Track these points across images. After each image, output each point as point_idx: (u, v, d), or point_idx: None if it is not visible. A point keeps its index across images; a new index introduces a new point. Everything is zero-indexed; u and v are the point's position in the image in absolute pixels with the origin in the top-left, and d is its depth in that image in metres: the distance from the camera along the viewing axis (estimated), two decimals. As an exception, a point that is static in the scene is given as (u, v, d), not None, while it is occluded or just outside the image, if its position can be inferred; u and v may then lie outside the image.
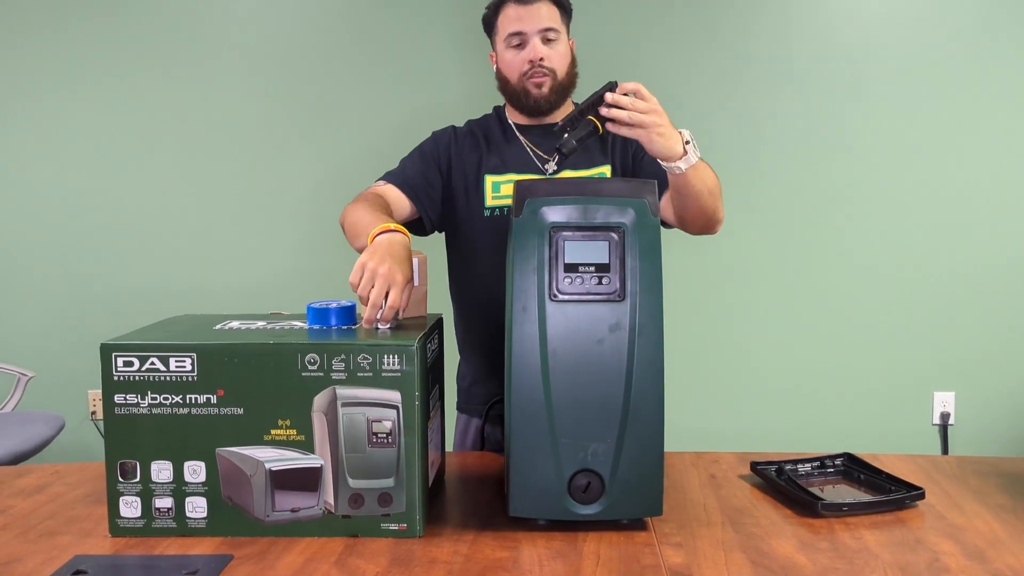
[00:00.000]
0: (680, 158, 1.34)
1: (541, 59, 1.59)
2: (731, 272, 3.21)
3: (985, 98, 3.11)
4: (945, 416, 3.19)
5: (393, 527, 1.17)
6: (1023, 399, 3.19)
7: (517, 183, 1.21)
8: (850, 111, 3.15)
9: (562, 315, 1.15)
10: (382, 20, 3.20)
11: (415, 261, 1.35)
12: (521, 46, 1.60)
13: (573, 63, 1.65)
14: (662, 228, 1.27)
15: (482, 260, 1.66)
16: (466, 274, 1.72)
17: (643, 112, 1.31)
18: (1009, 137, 3.12)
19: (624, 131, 1.33)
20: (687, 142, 1.35)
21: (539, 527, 1.18)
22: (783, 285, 3.21)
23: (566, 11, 1.65)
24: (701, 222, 1.50)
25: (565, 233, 1.17)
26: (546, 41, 1.60)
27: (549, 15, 1.60)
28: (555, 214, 1.17)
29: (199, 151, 3.25)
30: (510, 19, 1.60)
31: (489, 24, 1.67)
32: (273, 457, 1.16)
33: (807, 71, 3.15)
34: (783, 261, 3.20)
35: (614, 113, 1.31)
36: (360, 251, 1.36)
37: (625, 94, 1.33)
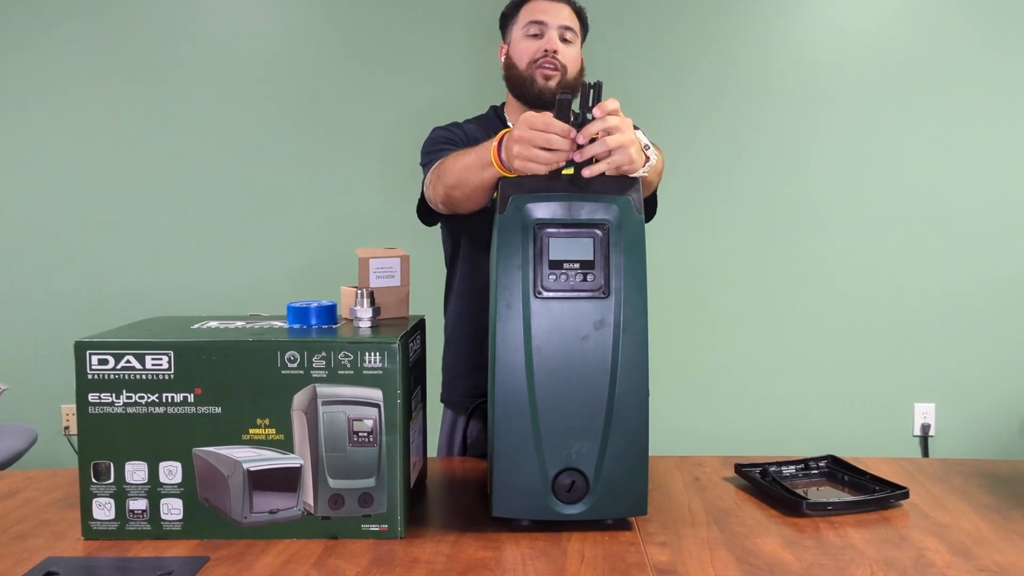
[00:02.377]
0: (642, 166, 1.25)
1: (556, 51, 1.62)
2: (715, 280, 3.22)
3: (968, 110, 3.15)
4: (926, 427, 3.20)
5: (374, 528, 1.15)
6: (1003, 410, 3.22)
7: (501, 179, 1.21)
8: (838, 122, 3.18)
9: (547, 312, 1.14)
10: (379, 16, 3.19)
11: (397, 260, 1.34)
12: (539, 36, 1.63)
13: (581, 72, 1.68)
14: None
15: (475, 251, 1.66)
16: (459, 264, 1.72)
17: (615, 146, 1.16)
18: (992, 151, 3.16)
19: (601, 168, 1.18)
20: (646, 146, 1.28)
21: (523, 527, 1.17)
22: (767, 293, 3.22)
23: (584, 26, 1.71)
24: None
25: (550, 230, 1.16)
26: (563, 39, 1.63)
27: (571, 17, 1.66)
28: (539, 211, 1.16)
29: (179, 154, 3.22)
30: (533, 10, 1.65)
31: (508, 17, 1.71)
32: (251, 457, 1.14)
33: (795, 81, 3.17)
34: (768, 269, 3.21)
35: (587, 152, 1.16)
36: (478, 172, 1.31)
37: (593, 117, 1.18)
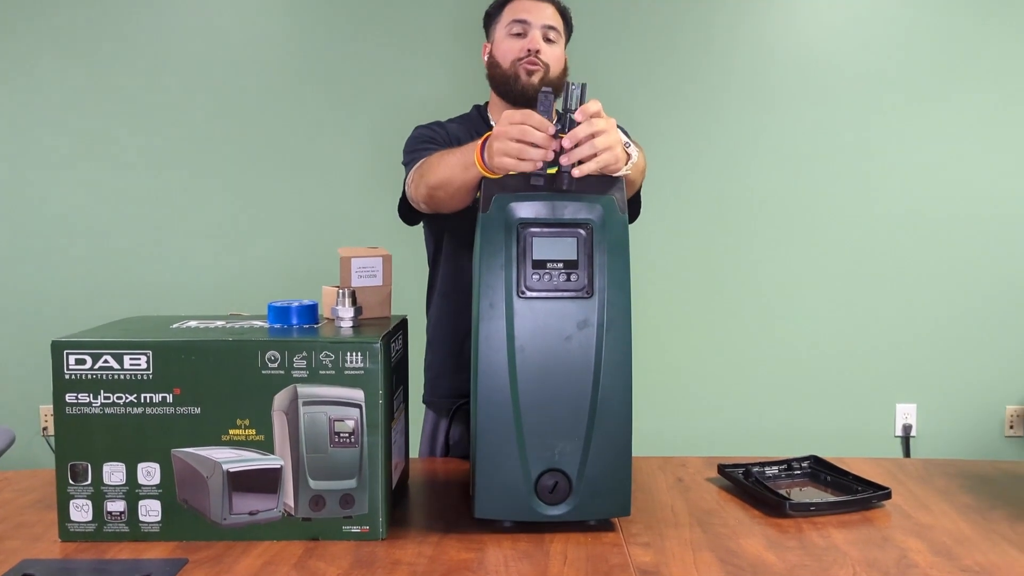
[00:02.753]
0: (625, 165, 1.24)
1: (538, 51, 1.62)
2: (698, 281, 3.22)
3: (954, 115, 3.17)
4: (907, 428, 3.22)
5: (355, 529, 1.14)
6: (984, 411, 3.24)
7: (485, 179, 1.20)
8: (822, 124, 3.18)
9: (530, 312, 1.13)
10: (363, 15, 3.17)
11: (379, 260, 1.33)
12: (522, 35, 1.63)
13: (564, 72, 1.67)
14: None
15: (458, 250, 1.66)
16: (441, 263, 1.71)
17: (603, 148, 1.15)
18: (976, 154, 3.17)
19: (590, 168, 1.16)
20: (627, 144, 1.28)
21: (505, 529, 1.16)
22: (750, 294, 3.22)
23: (569, 27, 1.71)
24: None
25: (533, 229, 1.15)
26: (546, 39, 1.63)
27: (554, 17, 1.66)
28: (523, 210, 1.16)
29: (159, 152, 3.19)
30: (516, 10, 1.65)
31: (491, 16, 1.70)
32: (231, 458, 1.12)
33: (781, 82, 3.18)
34: (751, 271, 3.22)
35: (575, 155, 1.15)
36: (460, 174, 1.31)
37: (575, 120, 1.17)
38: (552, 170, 1.17)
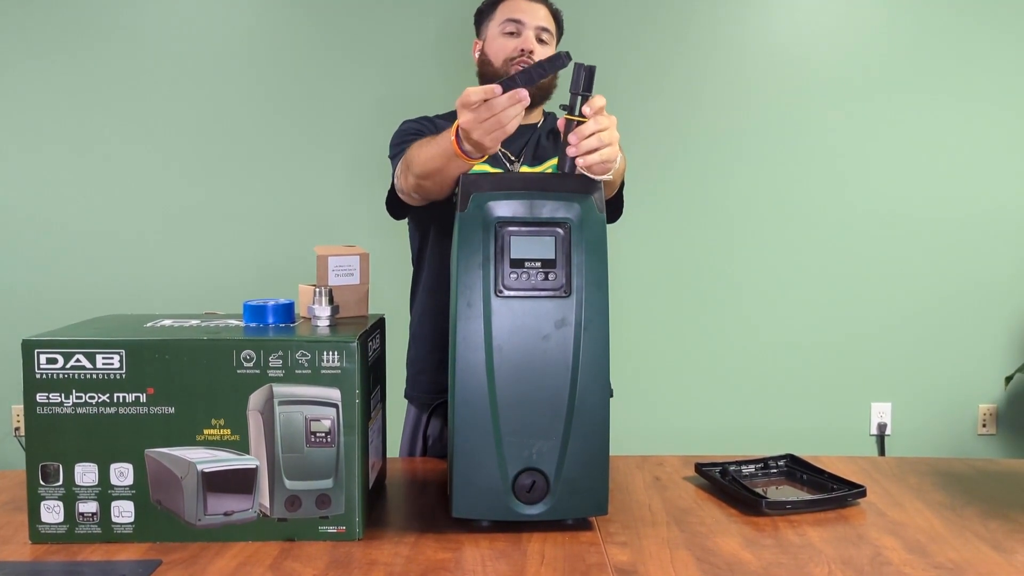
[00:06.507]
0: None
1: (531, 51, 1.63)
2: (674, 280, 3.23)
3: (937, 116, 3.20)
4: (882, 426, 3.25)
5: (331, 530, 1.13)
6: (957, 410, 3.27)
7: (462, 176, 1.20)
8: (803, 125, 3.21)
9: (507, 311, 1.13)
10: (348, 9, 3.16)
11: (356, 258, 1.32)
12: (516, 35, 1.64)
13: (555, 75, 1.66)
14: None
15: (444, 246, 1.65)
16: (427, 259, 1.71)
17: (606, 144, 1.18)
18: (955, 156, 3.21)
19: (595, 159, 1.18)
20: None
21: (483, 528, 1.16)
22: (726, 293, 3.24)
23: (560, 28, 1.72)
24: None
25: (511, 228, 1.15)
26: (539, 40, 1.65)
27: (547, 19, 1.67)
28: (501, 209, 1.15)
29: (134, 147, 3.16)
30: (511, 9, 1.66)
31: (484, 13, 1.71)
32: (205, 458, 1.11)
33: (762, 82, 3.20)
34: (727, 270, 3.23)
35: (583, 147, 1.18)
36: (442, 157, 1.33)
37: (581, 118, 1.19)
38: (549, 166, 1.18)
